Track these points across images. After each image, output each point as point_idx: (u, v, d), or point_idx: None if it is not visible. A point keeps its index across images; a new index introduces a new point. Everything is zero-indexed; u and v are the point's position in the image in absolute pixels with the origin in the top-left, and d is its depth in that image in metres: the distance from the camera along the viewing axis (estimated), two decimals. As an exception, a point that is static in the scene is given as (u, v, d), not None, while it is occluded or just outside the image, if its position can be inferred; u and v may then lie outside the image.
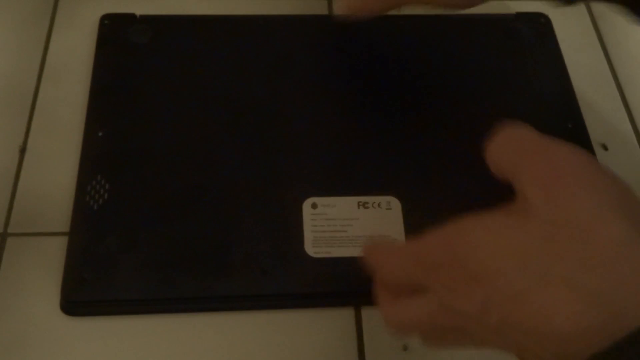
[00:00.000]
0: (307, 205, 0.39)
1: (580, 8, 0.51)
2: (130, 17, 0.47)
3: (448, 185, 0.41)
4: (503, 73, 0.47)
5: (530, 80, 0.46)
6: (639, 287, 0.19)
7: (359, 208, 0.40)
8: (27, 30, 0.47)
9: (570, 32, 0.50)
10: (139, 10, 0.47)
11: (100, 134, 0.41)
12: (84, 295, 0.36)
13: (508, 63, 0.47)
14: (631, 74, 0.48)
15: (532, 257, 0.21)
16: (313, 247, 0.38)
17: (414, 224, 0.39)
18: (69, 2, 0.49)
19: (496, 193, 0.40)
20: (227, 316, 0.37)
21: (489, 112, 0.43)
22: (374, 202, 0.40)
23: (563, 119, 0.44)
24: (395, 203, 0.40)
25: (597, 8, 0.50)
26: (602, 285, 0.19)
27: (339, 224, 0.39)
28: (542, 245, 0.21)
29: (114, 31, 0.46)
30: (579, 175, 0.22)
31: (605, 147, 0.44)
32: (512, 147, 0.25)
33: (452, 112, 0.44)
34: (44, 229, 0.39)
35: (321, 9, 0.50)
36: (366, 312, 0.37)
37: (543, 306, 0.20)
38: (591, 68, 0.48)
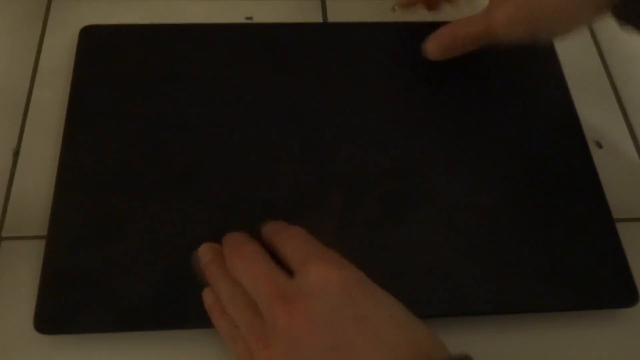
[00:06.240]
0: None
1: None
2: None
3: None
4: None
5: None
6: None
7: None
8: (20, 33, 0.47)
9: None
10: (129, 16, 0.47)
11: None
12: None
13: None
14: (625, 71, 0.49)
15: None
16: None
17: None
18: (61, 6, 0.48)
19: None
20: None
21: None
22: None
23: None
24: None
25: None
26: None
27: None
28: None
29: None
30: None
31: (599, 145, 0.45)
32: None
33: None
34: (38, 233, 0.38)
35: (316, 16, 0.50)
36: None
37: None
38: (585, 66, 0.49)
